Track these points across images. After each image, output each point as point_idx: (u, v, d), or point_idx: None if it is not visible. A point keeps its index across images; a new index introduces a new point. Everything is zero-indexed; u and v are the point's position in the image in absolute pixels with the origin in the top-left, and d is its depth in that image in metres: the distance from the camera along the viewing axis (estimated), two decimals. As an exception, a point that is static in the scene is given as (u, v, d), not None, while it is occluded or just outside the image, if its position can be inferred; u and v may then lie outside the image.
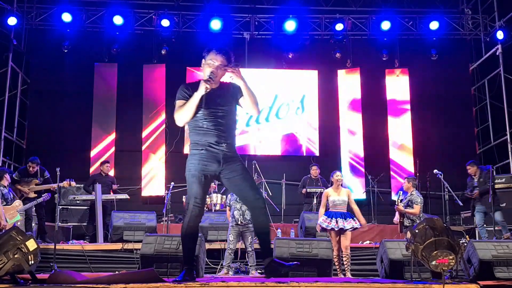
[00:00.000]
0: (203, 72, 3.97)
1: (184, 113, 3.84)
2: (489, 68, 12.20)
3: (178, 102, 3.92)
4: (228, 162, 3.91)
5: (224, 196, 8.89)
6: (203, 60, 3.99)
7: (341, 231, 7.01)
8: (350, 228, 6.95)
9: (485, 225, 9.19)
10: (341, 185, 7.34)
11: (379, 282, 4.17)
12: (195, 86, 3.90)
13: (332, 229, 7.01)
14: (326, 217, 7.13)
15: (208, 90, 3.77)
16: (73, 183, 8.99)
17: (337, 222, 6.98)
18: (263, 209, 3.97)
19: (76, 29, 12.02)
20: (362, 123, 12.37)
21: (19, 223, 8.09)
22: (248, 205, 4.07)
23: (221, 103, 3.91)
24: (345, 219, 6.99)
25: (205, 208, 4.45)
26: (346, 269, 6.98)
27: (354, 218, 7.09)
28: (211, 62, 3.91)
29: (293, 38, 12.39)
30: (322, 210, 7.29)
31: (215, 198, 9.69)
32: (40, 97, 12.16)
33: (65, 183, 8.86)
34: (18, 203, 8.16)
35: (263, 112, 12.22)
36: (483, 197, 9.08)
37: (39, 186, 8.83)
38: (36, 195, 8.78)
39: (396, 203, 7.86)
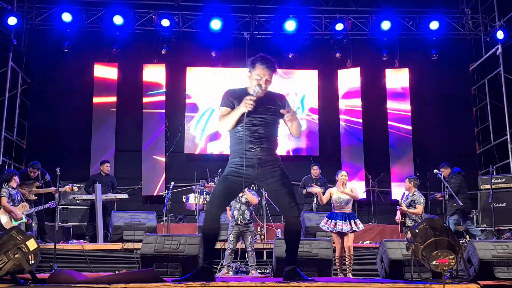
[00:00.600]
0: (250, 83, 4.04)
1: (225, 124, 3.98)
2: (489, 68, 12.20)
3: (221, 109, 4.03)
4: (265, 167, 3.97)
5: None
6: (249, 72, 4.03)
7: (343, 232, 6.98)
8: (349, 230, 6.91)
9: (474, 226, 9.21)
10: (345, 184, 7.28)
11: (379, 282, 4.17)
12: (239, 93, 4.00)
13: (332, 231, 7.01)
14: (327, 219, 7.11)
15: (250, 109, 3.84)
16: (75, 188, 9.05)
17: (335, 224, 6.95)
18: (296, 218, 4.01)
19: (76, 29, 12.01)
20: (362, 122, 12.37)
21: (29, 223, 8.16)
22: (282, 211, 4.08)
23: (261, 112, 3.97)
24: (345, 221, 6.94)
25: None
26: (347, 269, 6.96)
27: (356, 220, 7.04)
28: (258, 77, 3.96)
29: (293, 38, 12.39)
30: (324, 199, 7.28)
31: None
32: (40, 97, 12.15)
33: (67, 188, 8.91)
34: (24, 205, 8.20)
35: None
36: (450, 201, 9.11)
37: (40, 189, 8.85)
38: (36, 198, 8.81)
39: (399, 203, 7.85)
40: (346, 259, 6.97)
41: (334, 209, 7.15)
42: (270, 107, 4.00)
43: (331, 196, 7.24)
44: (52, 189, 8.73)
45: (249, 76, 4.03)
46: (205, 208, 4.11)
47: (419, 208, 7.61)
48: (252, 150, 3.94)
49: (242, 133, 3.95)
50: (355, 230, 6.98)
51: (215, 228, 3.98)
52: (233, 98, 4.01)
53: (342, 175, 7.28)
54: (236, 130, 3.99)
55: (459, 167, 11.90)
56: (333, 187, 7.62)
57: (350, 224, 6.93)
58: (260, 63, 3.96)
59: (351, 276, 6.86)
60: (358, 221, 7.02)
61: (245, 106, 3.83)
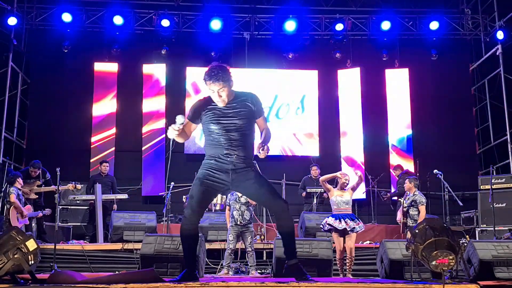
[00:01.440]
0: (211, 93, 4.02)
1: (173, 137, 4.00)
2: (489, 68, 12.20)
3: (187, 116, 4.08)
4: (239, 173, 3.96)
5: (224, 196, 8.90)
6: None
7: (345, 232, 6.89)
8: (355, 228, 6.79)
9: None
10: (345, 187, 7.23)
11: (379, 282, 4.17)
12: (202, 103, 4.04)
13: (336, 230, 6.90)
14: (334, 219, 6.99)
15: (172, 137, 3.95)
16: (79, 186, 9.02)
17: (340, 222, 6.83)
18: (285, 212, 4.01)
19: (76, 29, 12.02)
20: (362, 123, 12.37)
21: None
22: (269, 209, 4.13)
23: (233, 117, 3.96)
24: (352, 220, 6.86)
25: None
26: (347, 270, 6.93)
27: (357, 220, 6.98)
28: (211, 91, 3.93)
29: (293, 38, 12.40)
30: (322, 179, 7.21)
31: (215, 198, 9.67)
32: (40, 97, 12.17)
33: (70, 186, 8.90)
34: (28, 208, 8.23)
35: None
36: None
37: (41, 188, 8.86)
38: (37, 196, 8.82)
39: (402, 204, 7.84)
40: (347, 261, 6.91)
41: (333, 211, 7.09)
42: (241, 111, 3.97)
43: (329, 197, 7.18)
44: (53, 187, 8.69)
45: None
46: (184, 211, 4.04)
47: (423, 209, 7.59)
48: (229, 156, 3.93)
49: (218, 138, 3.95)
50: (358, 231, 6.90)
51: (194, 233, 4.00)
52: (194, 108, 4.05)
53: (343, 177, 7.25)
54: (211, 134, 3.98)
55: (459, 167, 11.96)
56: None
57: (347, 223, 6.86)
58: (207, 80, 3.90)
59: (350, 277, 6.84)
60: (358, 221, 6.96)
61: (168, 135, 3.94)
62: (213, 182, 3.97)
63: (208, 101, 4.03)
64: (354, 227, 6.82)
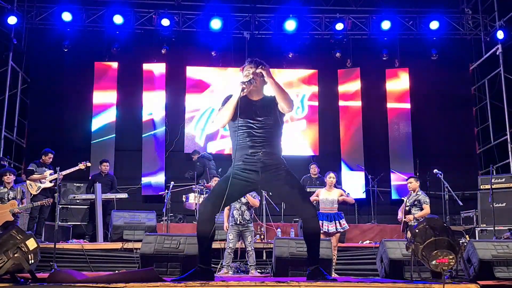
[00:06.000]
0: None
1: (220, 115, 3.90)
2: (489, 68, 12.20)
3: (220, 108, 3.97)
4: (269, 171, 3.90)
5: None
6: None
7: (330, 233, 7.11)
8: (334, 231, 7.03)
9: None
10: (334, 186, 7.42)
11: (379, 282, 4.16)
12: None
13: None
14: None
15: (245, 92, 3.83)
16: (88, 164, 9.08)
17: (322, 224, 7.08)
18: (313, 218, 3.94)
19: (76, 28, 12.03)
20: (362, 122, 12.36)
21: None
22: (298, 213, 4.05)
23: (258, 114, 3.93)
24: (330, 222, 7.07)
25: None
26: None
27: (341, 220, 7.13)
28: (246, 74, 4.01)
29: (293, 37, 12.39)
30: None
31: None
32: (40, 97, 12.16)
33: (81, 165, 8.97)
34: (12, 203, 8.13)
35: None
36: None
37: (52, 176, 8.89)
38: (53, 184, 8.82)
39: (404, 202, 7.86)
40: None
41: (320, 209, 7.27)
42: (267, 110, 3.96)
43: (317, 196, 7.37)
44: (61, 173, 8.50)
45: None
46: (198, 209, 4.03)
47: (427, 208, 7.60)
48: (255, 154, 3.88)
49: (243, 138, 3.90)
50: (340, 231, 7.09)
51: (209, 230, 3.89)
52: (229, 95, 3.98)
53: (329, 177, 7.44)
54: (236, 135, 3.93)
55: (459, 167, 11.94)
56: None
57: (335, 224, 7.06)
58: (247, 63, 4.06)
59: (334, 274, 6.90)
60: (343, 221, 7.14)
61: (241, 85, 3.83)
62: (240, 180, 3.89)
63: (243, 97, 3.95)
64: (327, 230, 7.01)
